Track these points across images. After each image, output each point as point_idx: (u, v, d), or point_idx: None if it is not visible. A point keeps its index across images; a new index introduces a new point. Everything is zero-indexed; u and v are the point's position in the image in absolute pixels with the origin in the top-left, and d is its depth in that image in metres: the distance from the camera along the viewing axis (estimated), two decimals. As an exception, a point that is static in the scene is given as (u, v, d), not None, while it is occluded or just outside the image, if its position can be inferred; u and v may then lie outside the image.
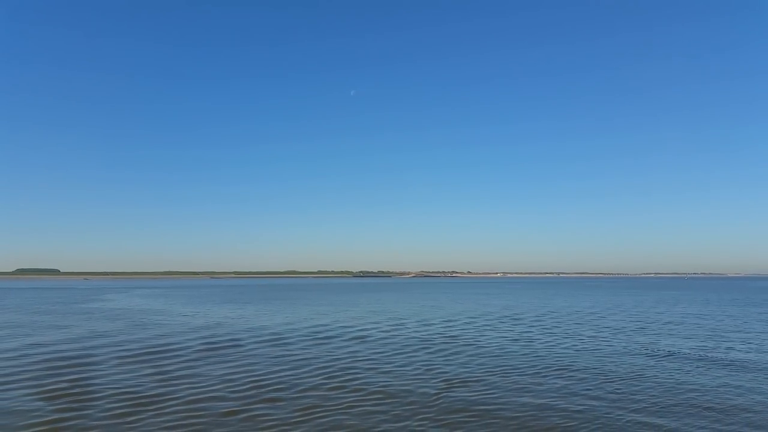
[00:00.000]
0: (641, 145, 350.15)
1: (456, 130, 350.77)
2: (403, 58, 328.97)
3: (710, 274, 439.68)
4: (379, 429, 10.02)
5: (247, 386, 13.55)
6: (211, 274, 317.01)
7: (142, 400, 12.02)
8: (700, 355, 18.38)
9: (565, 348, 20.22)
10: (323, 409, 11.40)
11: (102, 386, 13.49)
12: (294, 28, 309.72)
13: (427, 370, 15.83)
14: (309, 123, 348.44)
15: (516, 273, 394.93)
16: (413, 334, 24.72)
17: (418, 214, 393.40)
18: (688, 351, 19.37)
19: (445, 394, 12.72)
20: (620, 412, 11.10)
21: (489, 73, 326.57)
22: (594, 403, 11.89)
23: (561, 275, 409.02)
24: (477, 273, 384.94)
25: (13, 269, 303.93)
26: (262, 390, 13.13)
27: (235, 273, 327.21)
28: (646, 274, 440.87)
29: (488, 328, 27.77)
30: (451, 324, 29.86)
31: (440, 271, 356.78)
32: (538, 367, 16.14)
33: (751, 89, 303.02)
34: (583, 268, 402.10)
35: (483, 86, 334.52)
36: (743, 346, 20.69)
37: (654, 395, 12.58)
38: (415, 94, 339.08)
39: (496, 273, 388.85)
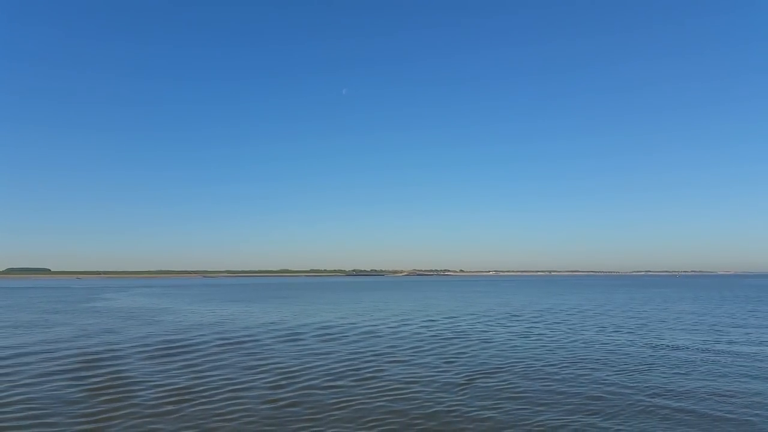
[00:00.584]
0: (633, 143, 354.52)
1: (448, 129, 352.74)
2: (395, 57, 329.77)
3: (701, 271, 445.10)
4: (424, 412, 10.69)
5: (278, 377, 14.15)
6: (204, 273, 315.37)
7: (184, 391, 12.57)
8: (704, 348, 19.25)
9: (572, 342, 21.01)
10: (363, 395, 12.05)
11: (139, 379, 14.02)
12: (286, 27, 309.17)
13: (446, 362, 16.52)
14: (300, 122, 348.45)
15: (508, 271, 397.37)
16: (421, 330, 25.40)
17: (412, 213, 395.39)
18: (691, 345, 20.24)
19: (472, 383, 13.42)
20: (639, 397, 11.88)
21: (482, 72, 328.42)
22: (612, 389, 12.65)
23: (553, 273, 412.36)
24: (469, 271, 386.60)
25: (4, 268, 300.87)
26: (295, 380, 13.73)
27: (228, 272, 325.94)
28: (638, 272, 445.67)
29: (493, 323, 28.53)
30: (455, 320, 30.59)
31: (433, 269, 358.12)
32: (552, 360, 16.89)
33: (745, 88, 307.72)
34: (575, 266, 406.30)
35: (476, 85, 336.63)
36: (744, 340, 21.61)
37: (666, 383, 13.35)
38: (406, 93, 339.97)
39: (489, 271, 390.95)
